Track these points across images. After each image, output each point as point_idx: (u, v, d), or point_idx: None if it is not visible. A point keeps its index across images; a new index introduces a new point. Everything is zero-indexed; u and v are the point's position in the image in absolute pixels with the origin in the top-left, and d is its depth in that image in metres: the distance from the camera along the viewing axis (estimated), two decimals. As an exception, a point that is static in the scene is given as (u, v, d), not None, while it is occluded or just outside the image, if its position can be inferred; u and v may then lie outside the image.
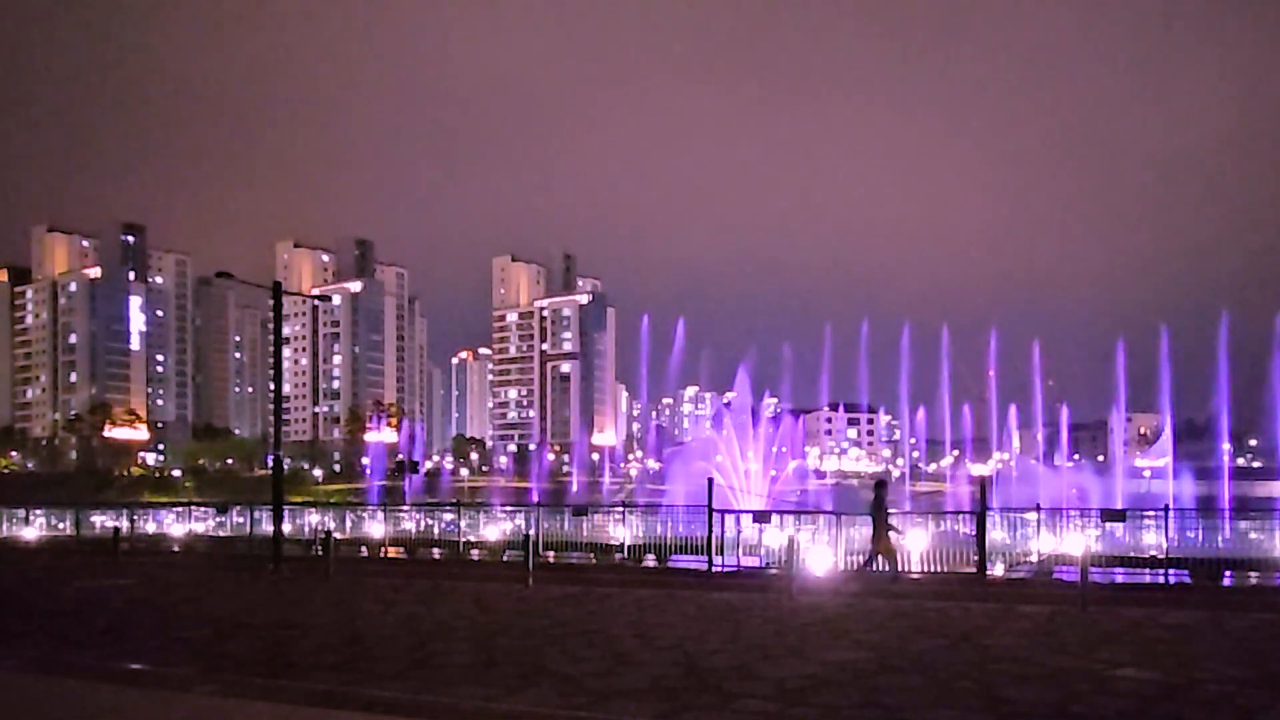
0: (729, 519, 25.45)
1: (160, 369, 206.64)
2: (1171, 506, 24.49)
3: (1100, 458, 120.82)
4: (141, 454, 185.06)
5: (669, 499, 40.27)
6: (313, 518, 33.81)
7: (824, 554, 22.78)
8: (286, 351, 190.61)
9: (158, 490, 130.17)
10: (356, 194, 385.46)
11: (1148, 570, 22.12)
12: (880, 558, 20.25)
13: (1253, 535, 22.67)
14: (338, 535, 26.01)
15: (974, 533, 22.01)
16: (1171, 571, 21.33)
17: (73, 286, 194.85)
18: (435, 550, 30.36)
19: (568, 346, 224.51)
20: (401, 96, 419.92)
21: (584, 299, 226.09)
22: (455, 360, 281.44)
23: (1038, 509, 23.73)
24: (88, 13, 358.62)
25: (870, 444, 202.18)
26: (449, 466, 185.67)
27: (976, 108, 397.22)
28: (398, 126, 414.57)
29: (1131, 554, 22.91)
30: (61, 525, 38.97)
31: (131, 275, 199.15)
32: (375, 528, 32.43)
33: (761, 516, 26.40)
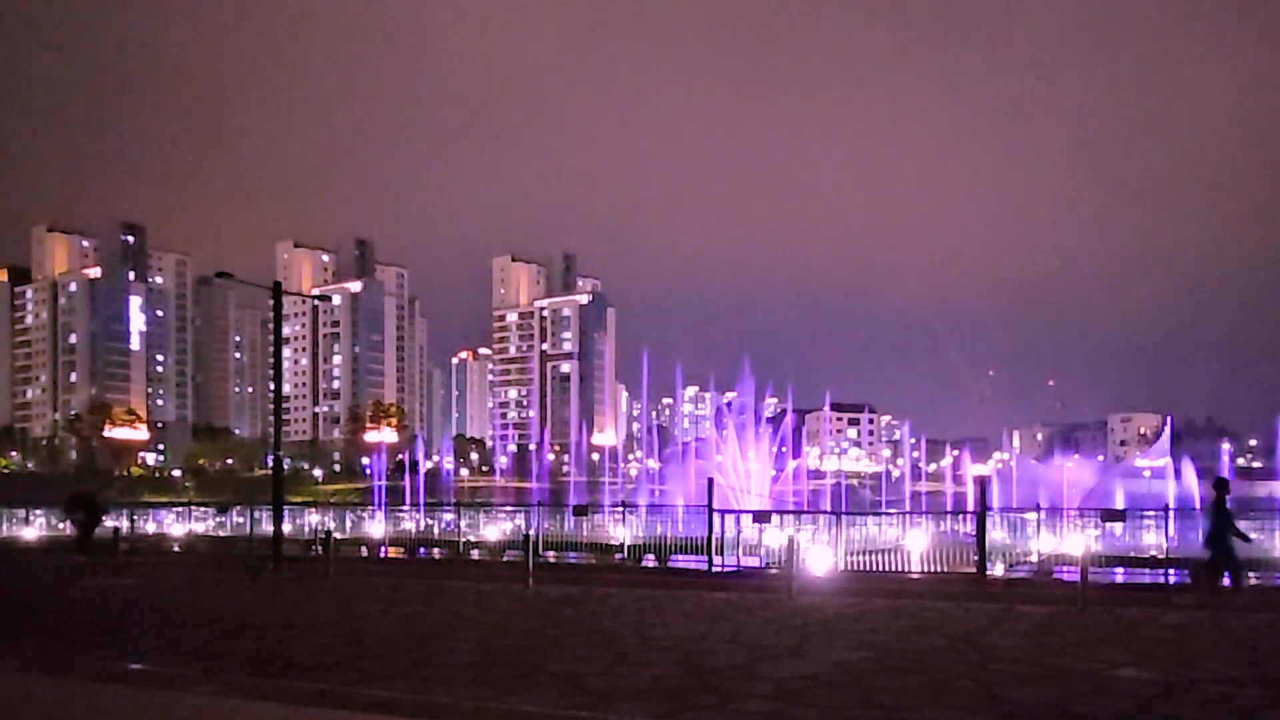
0: (729, 519, 25.45)
1: (160, 369, 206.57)
2: (1171, 507, 24.52)
3: (1100, 457, 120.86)
4: (141, 454, 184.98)
5: (669, 499, 40.27)
6: (313, 518, 33.84)
7: (824, 554, 22.79)
8: (286, 351, 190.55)
9: (158, 490, 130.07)
10: (356, 194, 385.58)
11: (1148, 570, 22.14)
12: (1222, 566, 16.72)
13: (1253, 535, 22.66)
14: (338, 535, 26.03)
15: (974, 533, 22.02)
16: (1171, 571, 21.34)
17: (73, 286, 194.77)
18: (435, 550, 30.37)
19: (568, 346, 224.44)
20: (401, 97, 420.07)
21: (584, 299, 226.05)
22: (455, 360, 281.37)
23: (1038, 509, 23.75)
24: (87, 12, 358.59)
25: (870, 444, 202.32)
26: (449, 466, 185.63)
27: (977, 107, 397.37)
28: (397, 126, 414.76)
29: (1131, 554, 22.94)
30: (61, 525, 38.94)
31: (131, 275, 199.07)
32: (375, 528, 32.45)
33: (761, 516, 26.42)
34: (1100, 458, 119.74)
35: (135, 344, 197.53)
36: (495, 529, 30.08)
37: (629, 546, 26.76)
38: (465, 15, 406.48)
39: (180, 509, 39.47)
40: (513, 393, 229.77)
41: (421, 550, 30.87)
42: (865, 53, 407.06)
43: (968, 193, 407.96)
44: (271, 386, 33.07)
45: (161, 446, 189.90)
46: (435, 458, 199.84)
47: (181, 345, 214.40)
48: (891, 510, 36.62)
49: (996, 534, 22.92)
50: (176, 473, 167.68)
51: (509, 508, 34.60)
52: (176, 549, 34.26)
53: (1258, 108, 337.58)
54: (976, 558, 21.59)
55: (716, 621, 13.42)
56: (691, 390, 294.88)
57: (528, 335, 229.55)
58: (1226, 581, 16.65)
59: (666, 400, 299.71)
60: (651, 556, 26.12)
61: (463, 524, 30.37)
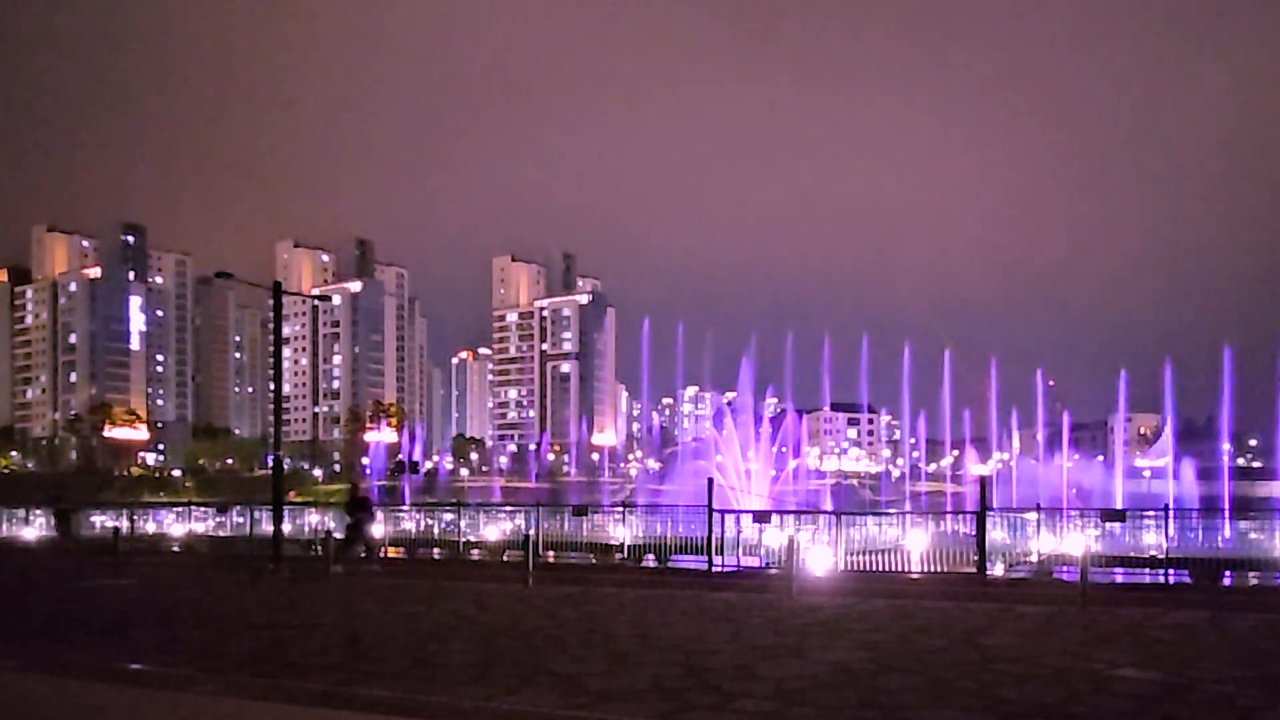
0: (729, 519, 25.42)
1: (160, 369, 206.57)
2: (1171, 506, 24.50)
3: (1100, 458, 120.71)
4: (141, 454, 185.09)
5: (669, 499, 40.25)
6: (313, 518, 33.81)
7: (824, 554, 22.77)
8: (286, 351, 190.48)
9: (157, 490, 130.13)
10: (356, 194, 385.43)
11: (1148, 570, 22.13)
12: None
13: (1253, 535, 22.69)
14: (338, 535, 25.99)
15: (974, 533, 22.00)
16: (1171, 571, 21.33)
17: (73, 286, 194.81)
18: (435, 550, 30.35)
19: (568, 346, 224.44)
20: (401, 96, 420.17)
21: (584, 299, 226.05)
22: (455, 360, 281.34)
23: (1038, 509, 23.73)
24: (87, 12, 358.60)
25: (870, 444, 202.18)
26: (449, 466, 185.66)
27: (978, 108, 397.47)
28: (397, 127, 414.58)
29: (1131, 554, 22.92)
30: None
31: (131, 275, 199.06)
32: (375, 528, 32.39)
33: (761, 516, 26.39)
34: (1100, 458, 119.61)
35: (135, 344, 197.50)
36: (495, 529, 30.05)
37: (629, 546, 26.72)
38: (465, 15, 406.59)
39: (180, 509, 39.45)
40: (512, 393, 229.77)
41: (421, 550, 30.84)
42: (865, 53, 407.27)
43: (967, 192, 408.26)
44: (271, 386, 33.05)
45: (161, 446, 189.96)
46: (435, 457, 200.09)
47: (181, 345, 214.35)
48: (891, 510, 36.63)
49: (996, 534, 22.88)
50: (176, 473, 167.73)
51: (509, 508, 34.55)
52: (176, 549, 34.25)
53: (1258, 108, 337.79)
54: (976, 558, 21.59)
55: (717, 622, 13.41)
56: (691, 390, 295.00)
57: (528, 335, 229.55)
58: None
59: (667, 400, 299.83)
60: (651, 556, 26.08)
61: (463, 524, 30.35)
